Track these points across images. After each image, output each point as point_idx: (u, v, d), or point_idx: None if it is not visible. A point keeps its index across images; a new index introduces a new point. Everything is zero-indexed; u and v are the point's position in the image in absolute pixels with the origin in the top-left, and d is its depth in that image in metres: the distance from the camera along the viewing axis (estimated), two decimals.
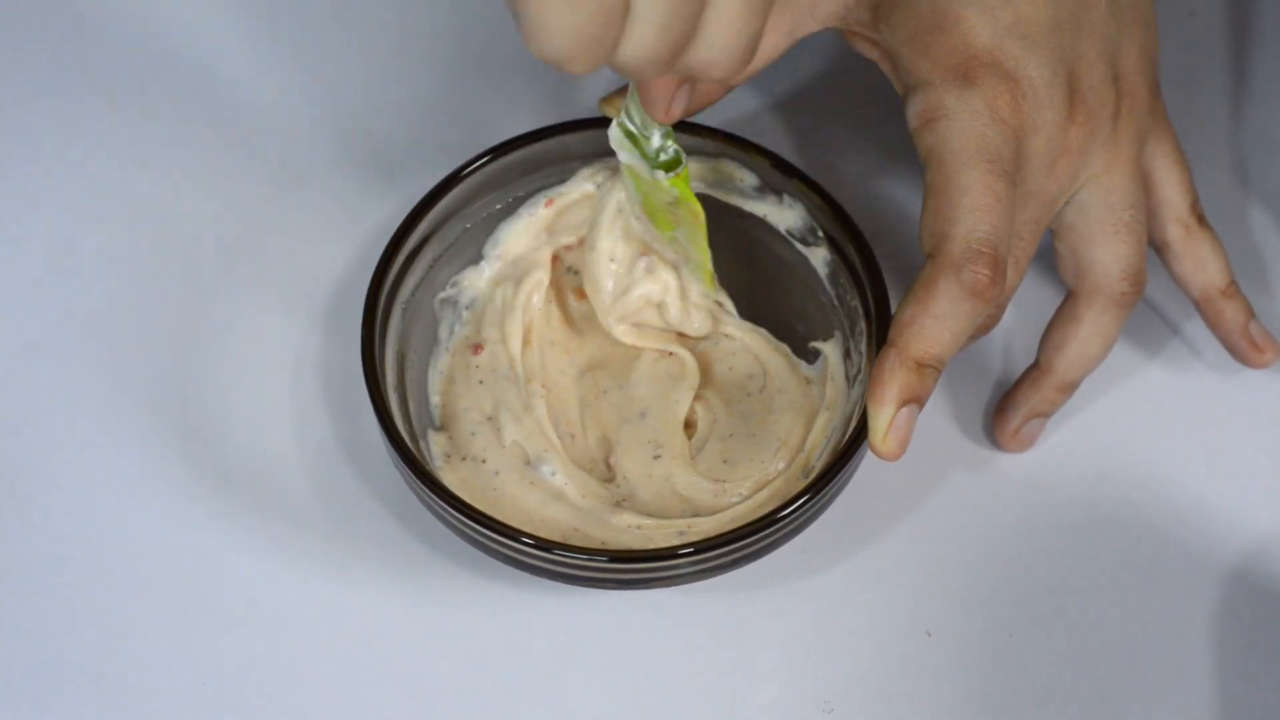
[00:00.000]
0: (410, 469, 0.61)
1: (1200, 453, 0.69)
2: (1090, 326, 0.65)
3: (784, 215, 0.67)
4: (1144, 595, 0.66)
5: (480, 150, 0.67)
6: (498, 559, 0.61)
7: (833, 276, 0.66)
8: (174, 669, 0.64)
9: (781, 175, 0.66)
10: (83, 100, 0.77)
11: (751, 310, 0.69)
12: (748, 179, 0.67)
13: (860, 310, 0.64)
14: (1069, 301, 0.66)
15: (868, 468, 0.64)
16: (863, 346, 0.64)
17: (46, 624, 0.65)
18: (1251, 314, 0.69)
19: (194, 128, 0.76)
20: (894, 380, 0.59)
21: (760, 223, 0.68)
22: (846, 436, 0.62)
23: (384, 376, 0.63)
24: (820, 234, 0.66)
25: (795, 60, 0.79)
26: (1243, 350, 0.69)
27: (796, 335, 0.68)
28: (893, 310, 0.63)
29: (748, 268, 0.69)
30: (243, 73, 0.78)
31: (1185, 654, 0.65)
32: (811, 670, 0.65)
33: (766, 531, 0.60)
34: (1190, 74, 0.78)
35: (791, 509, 0.60)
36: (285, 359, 0.70)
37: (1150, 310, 0.72)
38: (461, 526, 0.61)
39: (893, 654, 0.65)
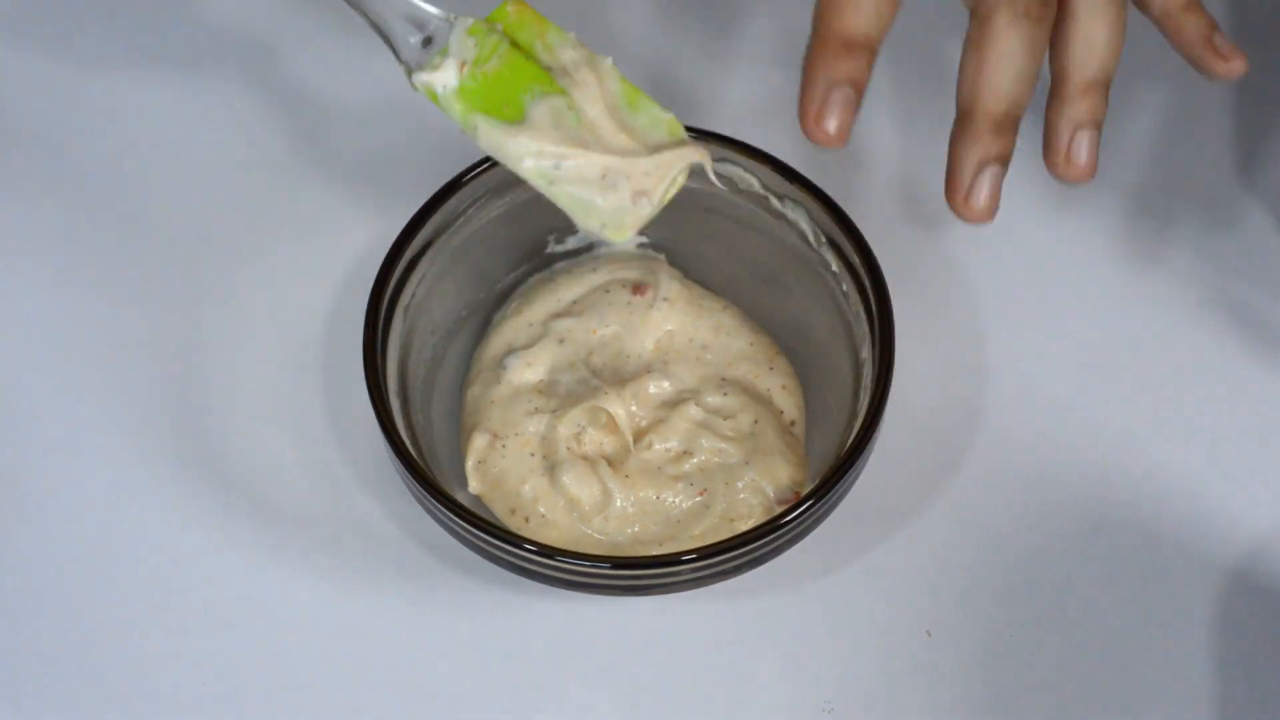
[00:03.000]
0: (413, 475, 0.61)
1: (1201, 453, 0.69)
2: (1002, 45, 0.59)
3: (787, 220, 0.67)
4: (1144, 595, 0.66)
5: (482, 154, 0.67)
6: (500, 565, 0.61)
7: (836, 281, 0.66)
8: (172, 670, 0.64)
9: (784, 180, 0.66)
10: (82, 100, 0.77)
11: (755, 313, 0.69)
12: (750, 183, 0.67)
13: (864, 314, 0.64)
14: (977, 24, 0.60)
15: (869, 470, 0.64)
16: (865, 351, 0.64)
17: (45, 624, 0.65)
18: (1215, 27, 0.64)
19: (194, 128, 0.76)
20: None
21: (763, 226, 0.68)
22: (850, 442, 0.62)
23: (386, 381, 0.63)
24: (823, 238, 0.66)
25: (794, 61, 0.78)
26: (1208, 62, 0.63)
27: (801, 339, 0.69)
28: (895, 315, 0.63)
29: (751, 271, 0.69)
30: (245, 73, 0.78)
31: (1185, 654, 0.65)
32: (812, 672, 0.65)
33: (770, 537, 0.60)
34: (1190, 74, 0.78)
35: (795, 515, 0.60)
36: (286, 362, 0.70)
37: (1152, 309, 0.72)
38: (463, 532, 0.61)
39: (893, 655, 0.65)
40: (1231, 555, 0.67)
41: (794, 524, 0.60)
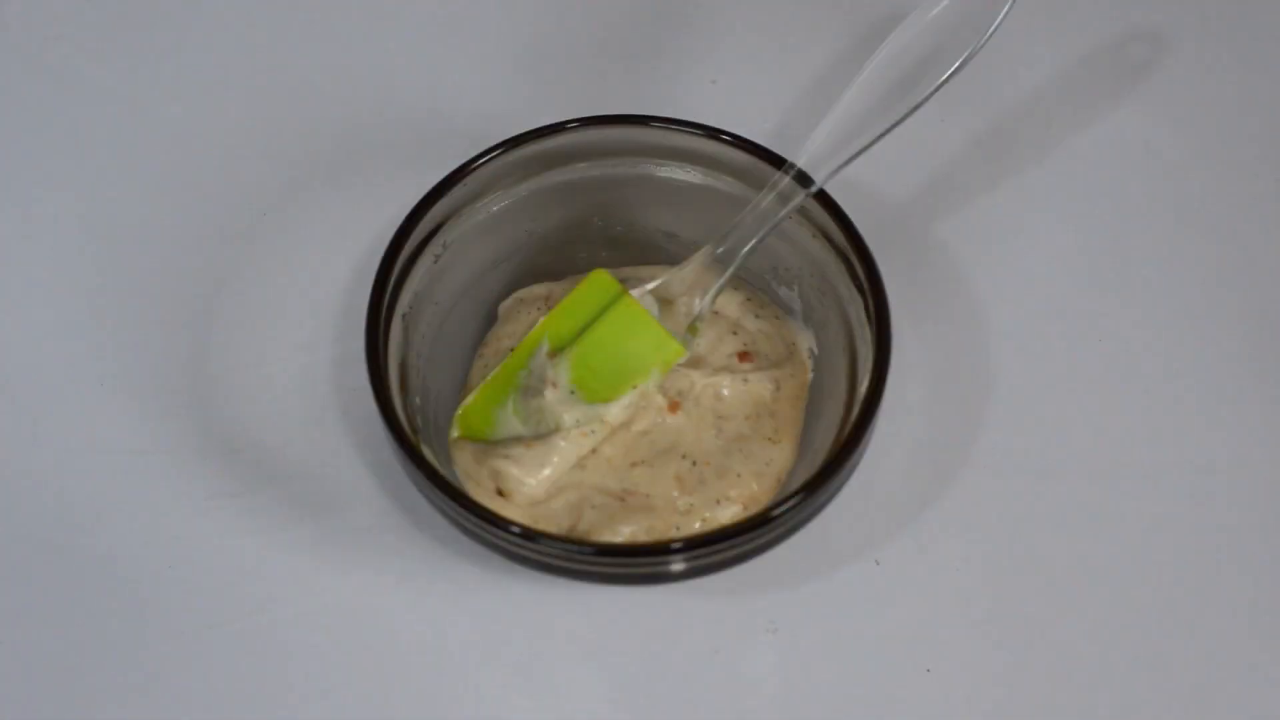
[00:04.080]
0: (406, 453, 0.61)
1: (1202, 452, 0.69)
2: None
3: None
4: (1145, 594, 0.66)
5: (482, 148, 0.67)
6: (485, 546, 0.62)
7: (835, 280, 0.66)
8: (171, 657, 0.65)
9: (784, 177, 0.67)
10: (86, 102, 0.77)
11: (755, 312, 0.70)
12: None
13: (864, 315, 0.65)
14: None
15: (869, 471, 0.64)
16: (863, 349, 0.64)
17: (45, 613, 0.66)
18: None
19: (199, 127, 0.77)
20: None
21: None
22: (843, 437, 0.62)
23: (387, 368, 0.63)
24: (823, 238, 0.66)
25: (795, 64, 0.79)
26: None
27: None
28: (894, 316, 0.63)
29: (749, 270, 0.70)
30: (248, 75, 0.78)
31: (1186, 651, 0.65)
32: (812, 672, 0.65)
33: (758, 530, 0.60)
34: (1182, 78, 0.78)
35: (784, 509, 0.60)
36: (290, 362, 0.71)
37: (1149, 311, 0.72)
38: (448, 510, 0.61)
39: (893, 655, 0.65)
40: (1234, 554, 0.67)
41: (784, 519, 0.60)
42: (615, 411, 0.65)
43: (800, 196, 0.65)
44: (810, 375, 0.68)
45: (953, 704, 0.64)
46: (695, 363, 0.67)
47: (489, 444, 0.66)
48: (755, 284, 0.70)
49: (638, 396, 0.65)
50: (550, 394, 0.65)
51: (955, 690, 0.64)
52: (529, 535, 0.60)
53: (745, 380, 0.66)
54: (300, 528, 0.67)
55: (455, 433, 0.67)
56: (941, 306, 0.72)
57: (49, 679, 0.64)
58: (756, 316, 0.69)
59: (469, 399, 0.67)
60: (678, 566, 0.60)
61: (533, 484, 0.65)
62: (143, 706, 0.64)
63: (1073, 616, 0.65)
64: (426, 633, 0.65)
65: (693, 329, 0.67)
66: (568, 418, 0.65)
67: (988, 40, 0.63)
